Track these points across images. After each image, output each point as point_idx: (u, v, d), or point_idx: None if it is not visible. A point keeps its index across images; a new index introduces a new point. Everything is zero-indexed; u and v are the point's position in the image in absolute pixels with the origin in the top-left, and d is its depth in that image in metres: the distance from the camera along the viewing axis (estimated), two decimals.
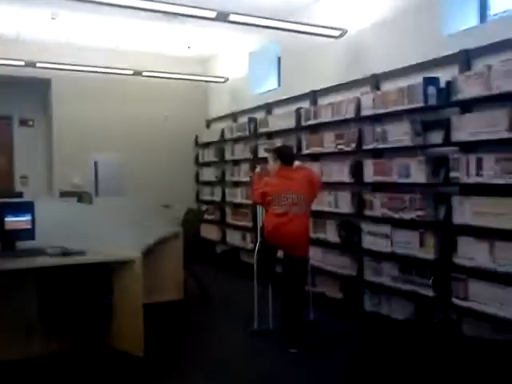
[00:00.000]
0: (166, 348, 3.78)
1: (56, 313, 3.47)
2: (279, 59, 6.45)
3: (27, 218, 3.46)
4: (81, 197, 4.72)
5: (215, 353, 3.76)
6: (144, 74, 7.24)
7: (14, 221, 3.43)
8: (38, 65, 6.52)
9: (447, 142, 3.76)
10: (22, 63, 6.46)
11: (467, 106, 3.70)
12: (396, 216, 4.19)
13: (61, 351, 3.57)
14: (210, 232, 7.55)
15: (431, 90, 3.92)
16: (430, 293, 3.87)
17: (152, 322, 3.65)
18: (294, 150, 5.12)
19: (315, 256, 5.08)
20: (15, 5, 5.62)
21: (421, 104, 3.96)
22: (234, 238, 6.98)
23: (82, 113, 7.33)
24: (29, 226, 3.46)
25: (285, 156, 4.10)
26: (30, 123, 8.15)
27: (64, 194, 5.45)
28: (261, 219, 4.35)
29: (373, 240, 4.43)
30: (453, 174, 3.68)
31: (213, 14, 4.74)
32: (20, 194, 5.89)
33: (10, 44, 6.68)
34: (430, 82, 3.93)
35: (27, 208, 3.48)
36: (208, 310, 4.92)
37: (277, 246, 4.01)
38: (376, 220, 4.47)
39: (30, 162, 8.00)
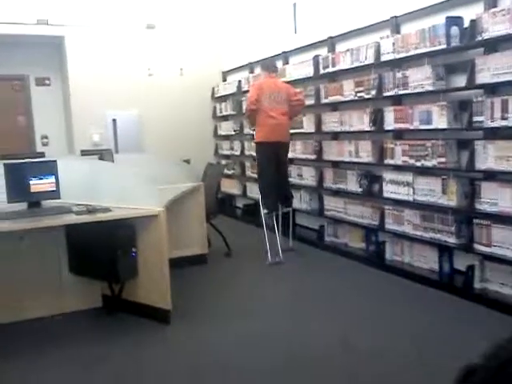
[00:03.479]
0: (193, 300, 3.89)
1: (85, 267, 3.58)
2: (294, 5, 6.24)
3: (51, 179, 3.51)
4: (102, 155, 4.74)
5: (240, 303, 3.86)
6: (157, 26, 7.10)
7: (38, 183, 3.49)
8: (50, 22, 6.45)
9: (471, 84, 3.64)
10: (35, 21, 6.39)
11: (492, 45, 3.55)
12: (418, 164, 4.13)
13: (92, 306, 3.71)
14: (230, 186, 7.59)
15: (454, 30, 3.76)
16: (452, 240, 3.86)
17: (177, 276, 3.73)
18: (313, 99, 5.45)
19: (336, 207, 5.10)
20: None
21: (443, 46, 3.81)
22: (254, 191, 7.00)
23: (97, 70, 7.29)
24: (53, 188, 3.51)
25: (265, 65, 5.33)
26: (47, 82, 8.12)
27: (85, 153, 5.49)
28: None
29: (394, 188, 4.39)
30: (476, 118, 3.58)
31: None
32: (42, 154, 5.95)
33: (21, 3, 6.59)
34: (454, 21, 3.77)
35: (51, 169, 3.52)
36: (231, 261, 5.02)
37: (271, 141, 4.92)
38: (397, 168, 4.42)
39: (49, 122, 8.04)
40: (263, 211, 5.11)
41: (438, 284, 3.92)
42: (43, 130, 8.06)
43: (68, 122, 7.88)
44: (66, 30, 7.00)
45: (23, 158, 4.17)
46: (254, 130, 5.13)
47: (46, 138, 8.05)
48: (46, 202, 3.53)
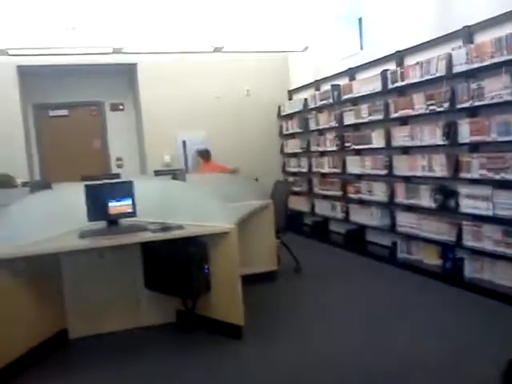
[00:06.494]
0: (264, 317, 3.88)
1: (160, 283, 3.68)
2: (360, 20, 6.21)
3: (128, 202, 3.66)
4: (175, 175, 4.89)
5: (311, 319, 3.82)
6: (224, 49, 7.29)
7: (117, 205, 3.66)
8: (124, 50, 6.79)
9: None
10: (111, 50, 6.75)
11: None
12: (497, 177, 3.93)
13: (166, 321, 3.80)
14: (298, 203, 7.57)
15: None
16: None
17: (248, 293, 3.74)
18: (382, 114, 5.40)
19: (409, 222, 4.95)
20: None
21: None
22: (322, 208, 6.95)
23: (167, 93, 7.58)
24: (130, 210, 3.66)
25: (203, 155, 7.26)
26: (121, 107, 8.54)
27: (159, 173, 5.68)
28: None
29: (472, 203, 4.20)
30: None
31: None
32: (117, 176, 6.21)
33: (99, 33, 7.00)
34: None
35: (128, 191, 3.67)
36: (301, 278, 4.98)
37: None
38: (474, 182, 4.23)
39: (123, 145, 8.43)
40: None
41: None
42: (117, 152, 8.45)
43: (140, 144, 8.22)
44: (138, 57, 7.35)
45: (101, 180, 4.36)
46: None
47: (121, 159, 8.43)
48: (123, 221, 3.68)
